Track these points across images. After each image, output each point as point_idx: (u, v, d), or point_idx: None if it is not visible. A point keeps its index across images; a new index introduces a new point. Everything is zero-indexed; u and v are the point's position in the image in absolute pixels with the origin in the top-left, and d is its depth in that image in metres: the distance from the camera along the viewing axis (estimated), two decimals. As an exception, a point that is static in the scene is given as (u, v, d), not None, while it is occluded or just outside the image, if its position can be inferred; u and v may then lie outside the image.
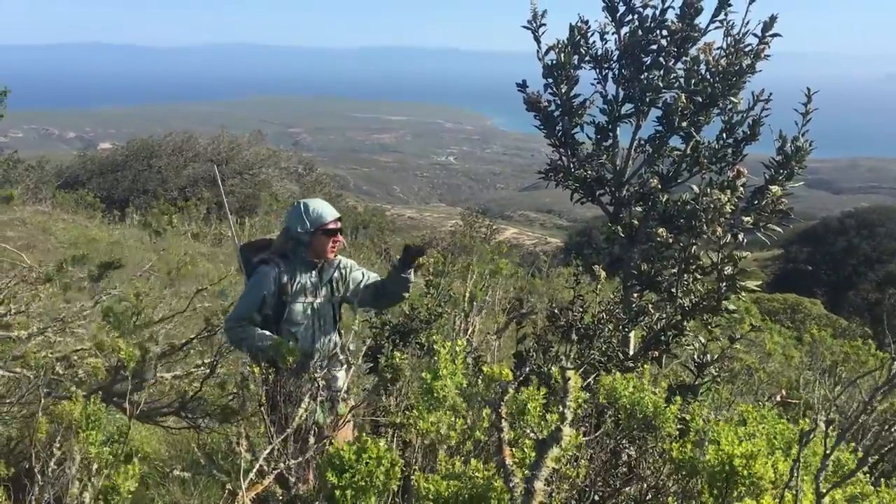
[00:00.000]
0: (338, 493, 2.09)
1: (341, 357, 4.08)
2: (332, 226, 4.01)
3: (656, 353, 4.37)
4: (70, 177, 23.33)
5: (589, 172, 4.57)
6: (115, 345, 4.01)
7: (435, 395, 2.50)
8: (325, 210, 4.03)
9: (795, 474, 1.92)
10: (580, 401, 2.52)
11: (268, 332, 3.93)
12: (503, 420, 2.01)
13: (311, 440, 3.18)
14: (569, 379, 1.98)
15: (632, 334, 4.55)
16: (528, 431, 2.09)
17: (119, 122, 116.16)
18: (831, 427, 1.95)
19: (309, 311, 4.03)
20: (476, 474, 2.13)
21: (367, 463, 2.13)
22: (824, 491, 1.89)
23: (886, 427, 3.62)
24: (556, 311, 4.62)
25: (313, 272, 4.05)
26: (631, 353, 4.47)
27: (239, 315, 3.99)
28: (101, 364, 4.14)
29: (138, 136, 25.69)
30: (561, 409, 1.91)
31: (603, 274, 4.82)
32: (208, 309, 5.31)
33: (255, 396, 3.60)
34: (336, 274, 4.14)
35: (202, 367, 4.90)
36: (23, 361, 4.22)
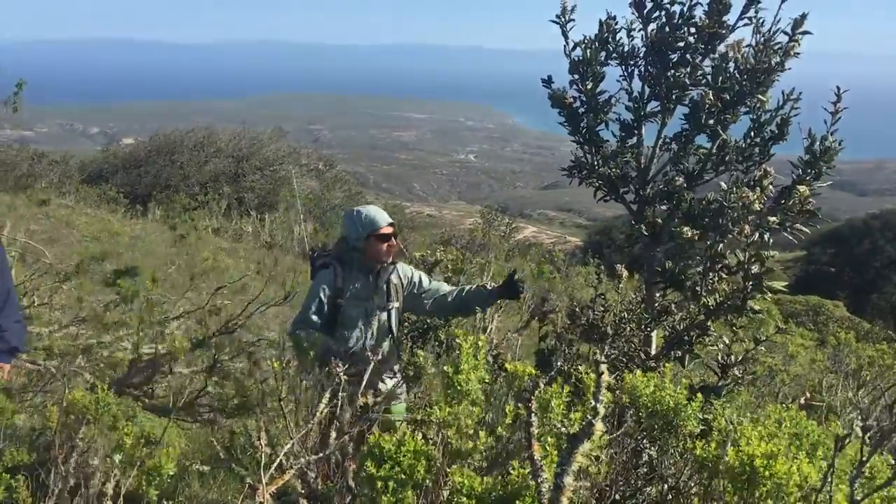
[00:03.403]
0: (380, 483, 2.13)
1: (395, 367, 4.12)
2: (384, 231, 4.08)
3: (679, 353, 4.32)
4: (94, 171, 23.61)
5: (613, 170, 4.52)
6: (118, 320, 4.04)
7: (458, 388, 2.50)
8: (377, 216, 4.11)
9: (829, 479, 1.88)
10: (606, 399, 2.50)
11: (322, 336, 3.97)
12: (533, 415, 2.00)
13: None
14: (602, 373, 1.96)
15: (654, 334, 4.51)
16: (559, 426, 2.08)
17: (142, 117, 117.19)
18: (868, 434, 1.91)
19: (363, 316, 4.10)
20: (511, 471, 2.14)
21: (406, 455, 2.16)
22: (859, 498, 1.85)
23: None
24: (576, 309, 4.58)
25: (369, 277, 4.12)
26: (653, 352, 4.43)
27: (299, 318, 4.10)
28: (121, 355, 4.18)
29: (161, 131, 25.91)
30: (593, 403, 1.89)
31: (625, 273, 4.78)
32: (228, 308, 5.34)
33: (274, 392, 3.61)
34: (395, 279, 4.20)
35: (219, 365, 4.93)
36: (45, 353, 4.26)
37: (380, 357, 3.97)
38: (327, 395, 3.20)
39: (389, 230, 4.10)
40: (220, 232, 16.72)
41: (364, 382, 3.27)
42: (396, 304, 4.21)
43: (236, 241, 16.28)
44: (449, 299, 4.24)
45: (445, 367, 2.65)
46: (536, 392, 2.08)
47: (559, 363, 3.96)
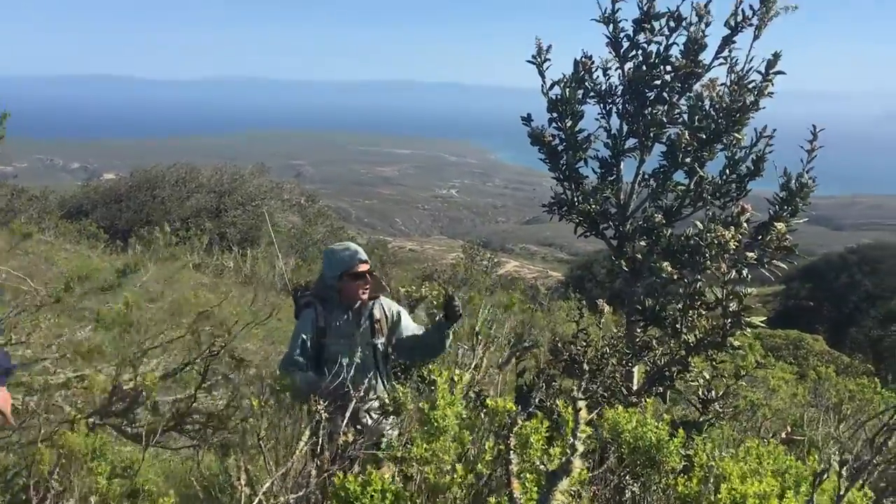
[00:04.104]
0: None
1: (385, 401, 4.08)
2: (356, 269, 4.07)
3: (660, 388, 4.33)
4: (73, 207, 23.44)
5: (593, 206, 4.57)
6: (96, 380, 3.99)
7: (435, 424, 2.48)
8: (348, 255, 4.12)
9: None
10: (585, 435, 2.49)
11: (309, 375, 3.97)
12: (512, 452, 1.99)
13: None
14: (580, 410, 1.96)
15: (635, 369, 4.52)
16: (538, 463, 2.06)
17: (123, 153, 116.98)
18: (845, 468, 1.92)
19: (347, 353, 4.07)
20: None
21: (371, 496, 2.12)
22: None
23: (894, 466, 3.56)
24: (558, 344, 4.59)
25: (349, 314, 4.12)
26: (635, 388, 4.44)
27: (285, 359, 4.10)
28: (99, 384, 4.12)
29: (142, 167, 25.84)
30: (571, 440, 1.88)
31: (606, 308, 4.80)
32: (208, 333, 5.28)
33: (255, 429, 3.57)
34: (378, 314, 4.19)
35: (200, 389, 4.85)
36: (24, 389, 4.20)
37: (361, 393, 3.95)
38: (307, 432, 3.18)
39: (363, 268, 4.09)
40: (201, 267, 16.60)
41: (346, 418, 3.25)
42: (381, 340, 4.19)
43: (217, 276, 16.17)
44: (410, 341, 4.23)
45: (421, 404, 2.63)
46: (515, 429, 2.07)
47: (538, 399, 3.96)
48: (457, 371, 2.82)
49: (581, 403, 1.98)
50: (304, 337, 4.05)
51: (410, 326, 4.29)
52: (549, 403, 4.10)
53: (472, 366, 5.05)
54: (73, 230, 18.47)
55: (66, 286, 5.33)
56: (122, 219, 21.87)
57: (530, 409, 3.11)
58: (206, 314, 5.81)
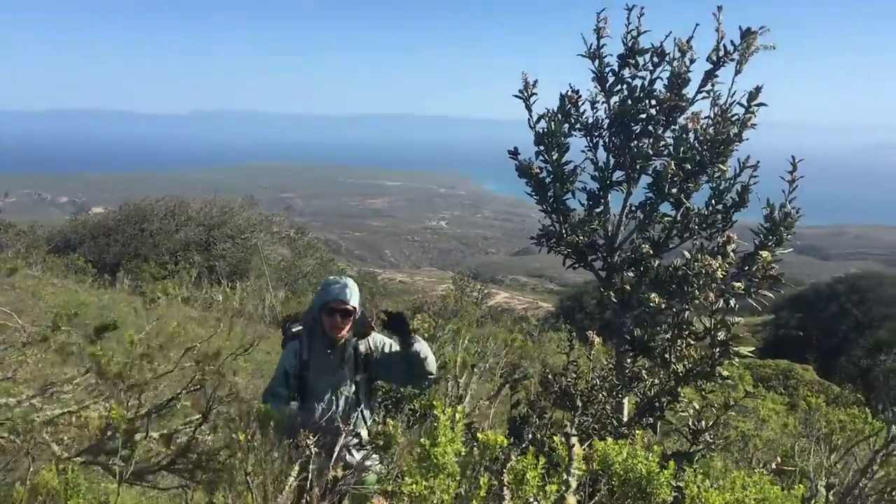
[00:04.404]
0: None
1: (363, 435, 4.03)
2: (331, 305, 4.03)
3: (651, 419, 4.32)
4: (61, 241, 23.38)
5: (581, 238, 4.59)
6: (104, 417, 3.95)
7: (434, 461, 2.45)
8: (330, 289, 4.08)
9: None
10: (580, 472, 2.48)
11: (288, 408, 3.95)
12: (505, 488, 1.97)
13: None
14: (573, 446, 1.95)
15: (626, 400, 4.52)
16: (531, 500, 2.04)
17: (112, 187, 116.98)
18: (832, 492, 1.92)
19: (329, 388, 4.04)
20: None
21: None
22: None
23: (886, 494, 3.56)
24: (549, 376, 4.59)
25: (332, 350, 4.08)
26: (625, 419, 4.43)
27: (267, 390, 4.08)
28: (93, 422, 4.08)
29: (131, 201, 25.85)
30: (565, 476, 1.87)
31: (597, 339, 4.81)
32: (198, 367, 5.24)
33: (243, 465, 3.53)
34: (362, 349, 4.14)
35: (189, 425, 4.80)
36: (8, 427, 4.15)
37: (351, 427, 3.92)
38: (296, 468, 3.15)
39: (338, 306, 4.02)
40: (190, 301, 16.53)
41: (335, 454, 3.23)
42: (364, 375, 4.14)
43: (206, 309, 16.11)
44: (393, 357, 4.14)
45: (422, 439, 2.61)
46: (509, 465, 2.06)
47: (531, 433, 3.94)
48: (458, 407, 2.80)
49: (574, 440, 1.97)
50: (288, 370, 4.03)
51: (395, 348, 4.24)
52: (540, 436, 4.09)
53: (458, 397, 5.04)
54: (60, 264, 18.40)
55: (54, 325, 5.28)
56: (110, 252, 21.82)
57: (524, 446, 3.09)
58: (193, 349, 5.76)
